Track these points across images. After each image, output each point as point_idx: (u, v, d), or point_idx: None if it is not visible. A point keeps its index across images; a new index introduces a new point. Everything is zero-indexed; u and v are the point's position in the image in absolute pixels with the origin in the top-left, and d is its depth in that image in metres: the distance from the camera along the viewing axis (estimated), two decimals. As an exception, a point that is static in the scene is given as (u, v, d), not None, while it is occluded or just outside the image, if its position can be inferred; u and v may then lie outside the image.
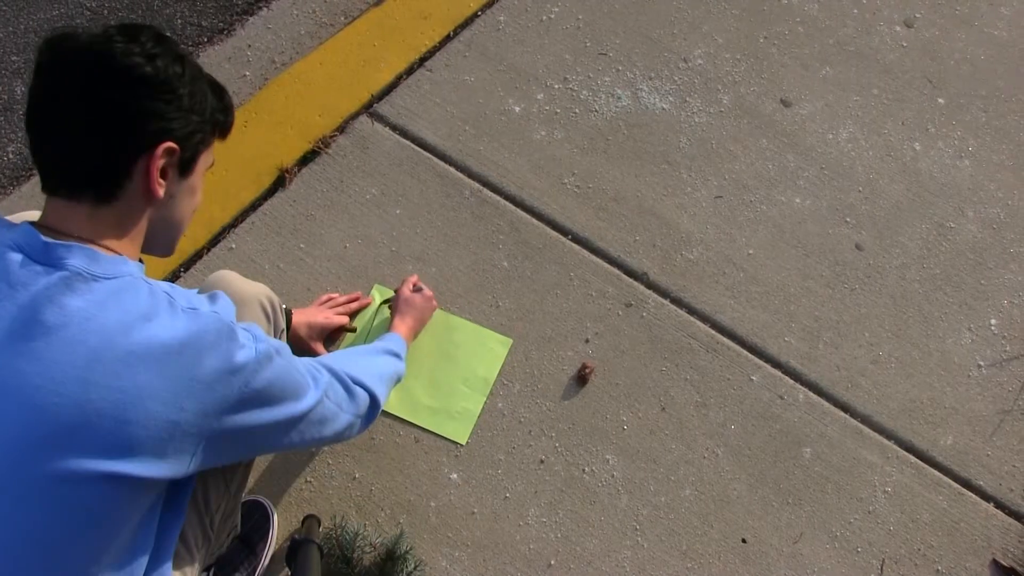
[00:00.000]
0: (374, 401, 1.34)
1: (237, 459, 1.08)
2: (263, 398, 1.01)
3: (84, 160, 0.95)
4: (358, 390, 1.29)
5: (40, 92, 0.95)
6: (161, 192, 1.01)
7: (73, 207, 0.96)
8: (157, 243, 1.08)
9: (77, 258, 0.91)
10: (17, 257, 0.90)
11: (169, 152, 0.99)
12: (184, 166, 1.05)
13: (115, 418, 0.86)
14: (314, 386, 1.14)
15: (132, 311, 0.90)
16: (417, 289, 1.82)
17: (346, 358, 1.37)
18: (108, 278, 0.92)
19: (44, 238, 0.92)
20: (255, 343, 0.99)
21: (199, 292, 1.04)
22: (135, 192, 0.99)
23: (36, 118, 0.96)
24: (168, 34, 1.03)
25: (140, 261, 1.03)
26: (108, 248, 0.97)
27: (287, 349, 1.09)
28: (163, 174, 1.01)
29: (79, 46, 0.94)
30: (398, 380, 1.52)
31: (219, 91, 1.10)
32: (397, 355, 1.53)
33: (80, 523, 0.89)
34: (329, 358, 1.31)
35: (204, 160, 1.10)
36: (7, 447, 0.85)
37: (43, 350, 0.86)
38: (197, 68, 1.05)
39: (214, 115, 1.08)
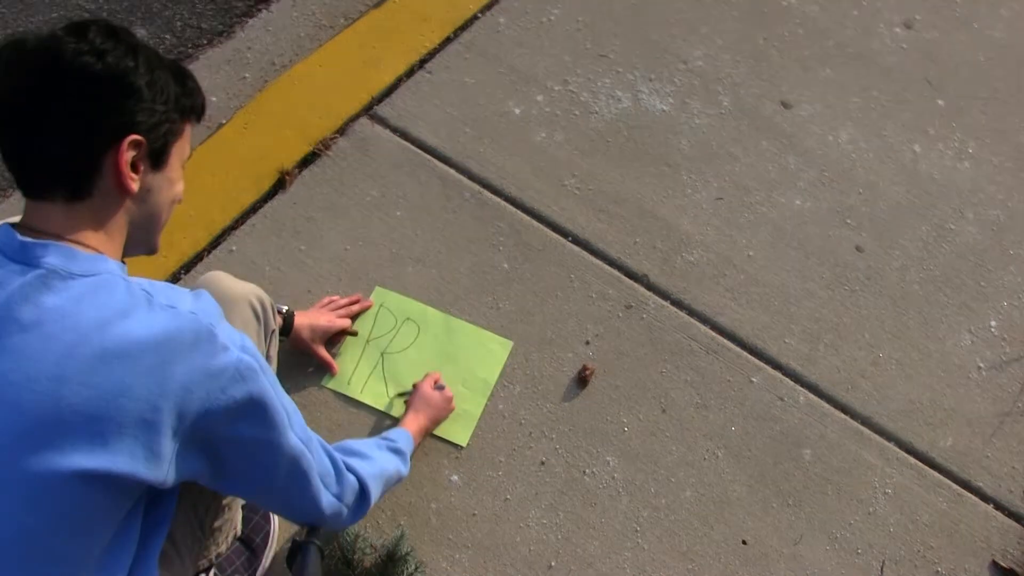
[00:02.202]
0: (364, 493, 1.28)
1: (213, 481, 1.05)
2: (241, 411, 0.98)
3: (49, 162, 0.95)
4: (348, 475, 1.24)
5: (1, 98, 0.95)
6: (135, 186, 0.99)
7: (48, 206, 0.96)
8: (139, 240, 1.07)
9: (53, 256, 0.91)
10: None
11: (135, 145, 0.98)
12: (156, 157, 1.03)
13: (89, 415, 0.86)
14: (296, 428, 1.09)
15: (108, 308, 0.90)
16: (439, 387, 1.74)
17: (342, 447, 1.33)
18: (85, 276, 0.92)
19: (21, 237, 0.92)
20: (240, 352, 0.97)
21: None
22: (108, 188, 0.98)
23: (1, 123, 0.96)
24: (120, 25, 1.01)
25: (122, 262, 1.02)
26: (87, 246, 0.97)
27: (275, 379, 1.06)
28: (135, 168, 1.00)
29: (27, 51, 0.94)
30: (398, 480, 1.45)
31: (181, 76, 1.07)
32: (401, 453, 1.47)
33: (56, 523, 0.88)
34: (323, 442, 1.25)
35: (178, 150, 1.08)
36: None
37: (18, 347, 0.86)
38: (154, 57, 1.02)
39: (179, 101, 1.05)
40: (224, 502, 1.33)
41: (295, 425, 1.09)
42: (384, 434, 1.53)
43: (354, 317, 1.87)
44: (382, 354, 1.84)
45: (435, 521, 1.66)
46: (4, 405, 0.85)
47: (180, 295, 0.97)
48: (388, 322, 1.88)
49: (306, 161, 2.12)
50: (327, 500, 1.19)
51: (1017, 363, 1.93)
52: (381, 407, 1.78)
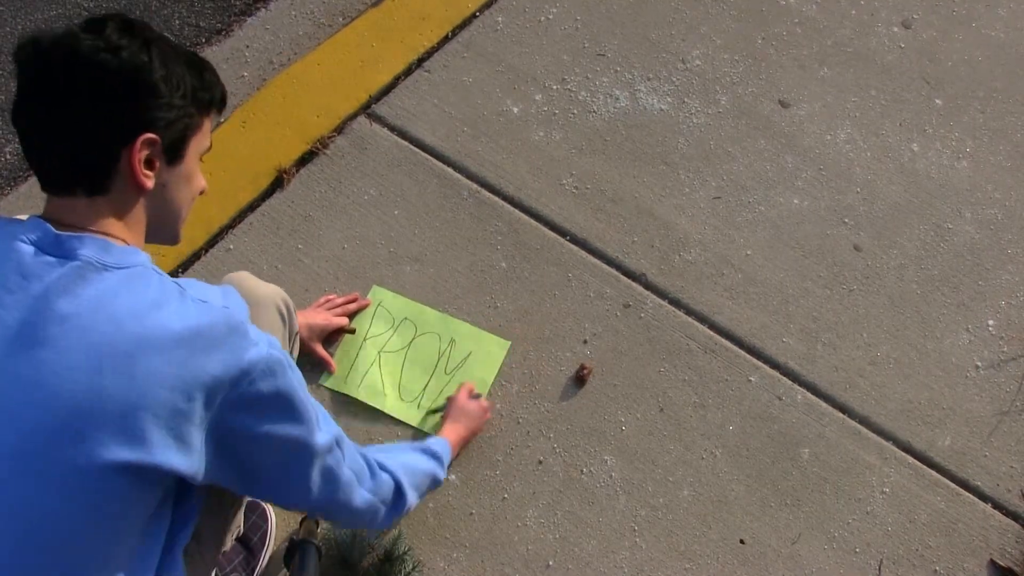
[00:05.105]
0: (399, 491, 1.29)
1: (244, 481, 1.06)
2: (269, 406, 1.00)
3: (67, 159, 0.96)
4: (382, 474, 1.25)
5: (18, 96, 0.96)
6: (150, 183, 1.00)
7: (71, 201, 0.98)
8: (159, 232, 1.08)
9: (89, 248, 0.93)
10: (29, 249, 0.92)
11: (149, 143, 0.98)
12: (172, 153, 1.03)
13: (126, 403, 0.87)
14: (325, 427, 1.10)
15: (143, 299, 0.91)
16: (475, 397, 1.74)
17: (376, 448, 1.35)
18: (119, 267, 0.93)
19: (56, 230, 0.94)
20: (269, 348, 0.98)
21: None
22: (124, 185, 0.99)
23: (18, 121, 0.97)
24: (137, 18, 1.02)
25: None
26: (116, 237, 0.98)
27: (302, 378, 1.07)
28: (150, 165, 1.00)
29: (45, 49, 0.94)
30: (434, 484, 1.45)
31: (198, 68, 1.06)
32: (437, 458, 1.47)
33: (89, 514, 0.89)
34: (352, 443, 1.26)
35: (196, 144, 1.07)
36: (28, 435, 0.86)
37: (57, 338, 0.87)
38: (171, 51, 1.02)
39: (196, 95, 1.04)
40: (241, 508, 1.34)
41: (323, 423, 1.10)
42: (424, 440, 1.53)
43: (352, 316, 1.87)
44: (379, 353, 1.84)
45: (432, 520, 1.66)
46: (45, 393, 0.86)
47: (210, 290, 0.99)
48: (386, 321, 1.88)
49: (304, 160, 2.12)
50: (362, 497, 1.20)
51: (1015, 362, 1.93)
52: (378, 406, 1.77)
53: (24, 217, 0.98)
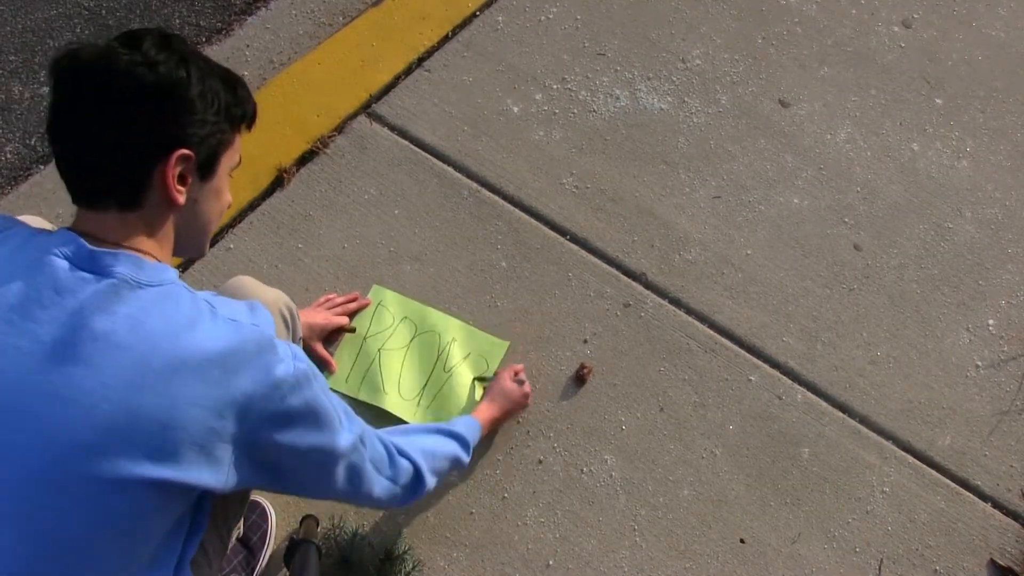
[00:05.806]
0: (418, 475, 1.30)
1: (270, 485, 1.08)
2: (298, 418, 1.01)
3: (100, 174, 0.97)
4: (401, 460, 1.27)
5: (54, 109, 0.96)
6: (182, 199, 1.01)
7: (102, 216, 0.98)
8: (187, 247, 1.09)
9: (124, 265, 0.93)
10: (63, 264, 0.91)
11: (184, 159, 0.99)
12: (204, 169, 1.04)
13: (160, 422, 0.88)
14: (348, 427, 1.12)
15: (176, 318, 0.92)
16: (519, 381, 1.74)
17: (396, 431, 1.37)
18: (152, 285, 0.93)
19: (90, 246, 0.93)
20: (294, 360, 0.99)
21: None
22: (157, 200, 0.99)
23: (54, 134, 0.97)
24: (174, 32, 1.02)
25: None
26: (147, 253, 0.99)
27: (324, 381, 1.08)
28: (182, 180, 1.01)
29: (83, 63, 0.95)
30: (456, 465, 1.46)
31: (232, 84, 1.08)
32: (460, 439, 1.47)
33: (117, 526, 0.90)
34: (374, 431, 1.28)
35: (227, 160, 1.08)
36: (58, 449, 0.86)
37: (92, 355, 0.87)
38: (206, 66, 1.03)
39: (229, 111, 1.06)
40: (243, 511, 1.34)
41: (346, 422, 1.12)
42: (452, 420, 1.55)
43: (352, 315, 1.87)
44: (379, 351, 1.84)
45: (433, 519, 1.66)
46: (79, 410, 0.86)
47: (238, 307, 1.00)
48: (385, 320, 1.88)
49: (304, 159, 2.12)
50: (382, 485, 1.23)
51: (1015, 362, 1.93)
52: (378, 403, 1.77)
53: (52, 228, 0.98)
